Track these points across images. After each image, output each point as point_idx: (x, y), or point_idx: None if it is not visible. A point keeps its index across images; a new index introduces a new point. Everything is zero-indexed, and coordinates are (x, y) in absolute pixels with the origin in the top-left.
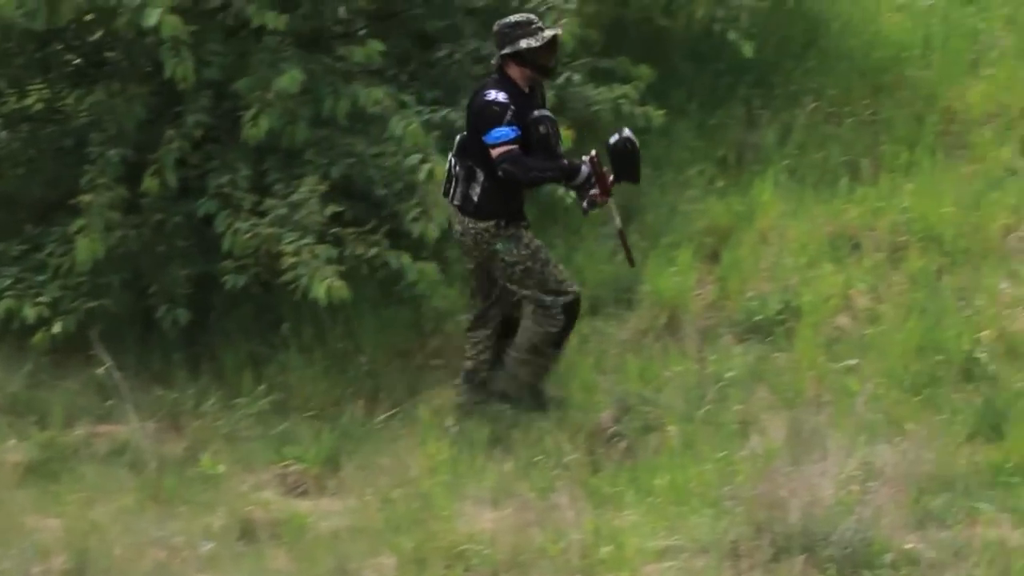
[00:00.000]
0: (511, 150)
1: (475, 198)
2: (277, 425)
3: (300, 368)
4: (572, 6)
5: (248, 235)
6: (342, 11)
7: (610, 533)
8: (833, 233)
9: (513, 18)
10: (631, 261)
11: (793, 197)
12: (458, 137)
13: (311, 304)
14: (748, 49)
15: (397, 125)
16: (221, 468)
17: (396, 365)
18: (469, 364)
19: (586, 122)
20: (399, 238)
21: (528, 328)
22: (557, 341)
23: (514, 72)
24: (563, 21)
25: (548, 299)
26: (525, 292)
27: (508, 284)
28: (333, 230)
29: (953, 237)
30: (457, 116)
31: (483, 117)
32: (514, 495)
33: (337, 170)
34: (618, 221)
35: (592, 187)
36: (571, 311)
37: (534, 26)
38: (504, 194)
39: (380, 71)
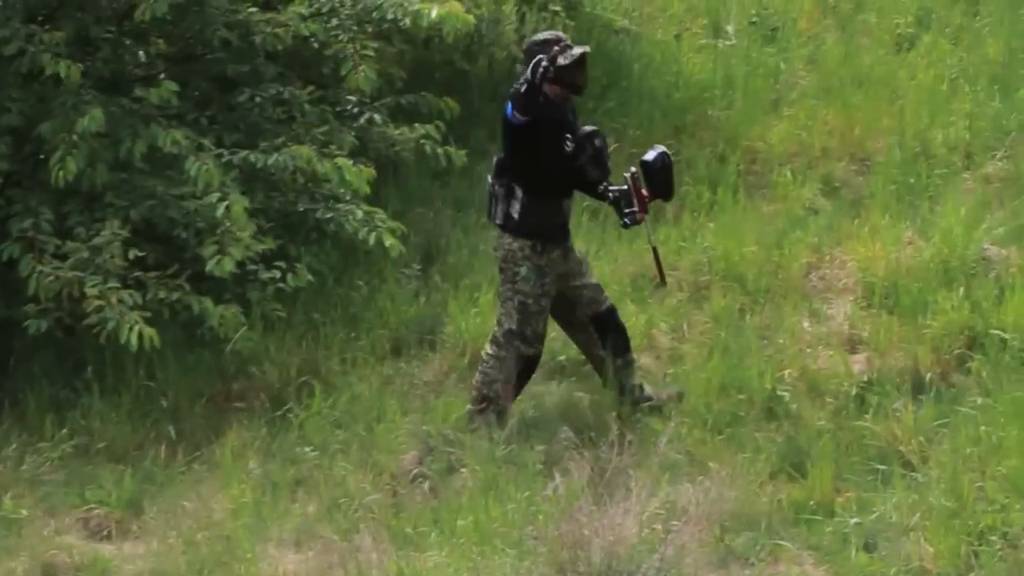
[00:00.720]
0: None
1: (515, 215)
2: (80, 469)
3: (103, 412)
4: (370, 52)
5: (50, 278)
6: (141, 55)
7: (413, 574)
8: (635, 273)
9: (541, 36)
10: (663, 279)
11: (595, 237)
12: (495, 158)
13: (114, 347)
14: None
15: (192, 166)
16: (23, 512)
17: (199, 408)
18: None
19: (389, 162)
20: (201, 281)
21: (483, 364)
22: (502, 389)
23: (546, 88)
24: (361, 68)
25: (514, 342)
26: (503, 318)
27: (501, 301)
28: (135, 274)
29: (755, 276)
30: (258, 158)
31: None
32: (317, 537)
33: (138, 212)
34: (652, 238)
35: (632, 204)
36: (526, 364)
37: (563, 44)
38: (545, 209)
39: (180, 114)
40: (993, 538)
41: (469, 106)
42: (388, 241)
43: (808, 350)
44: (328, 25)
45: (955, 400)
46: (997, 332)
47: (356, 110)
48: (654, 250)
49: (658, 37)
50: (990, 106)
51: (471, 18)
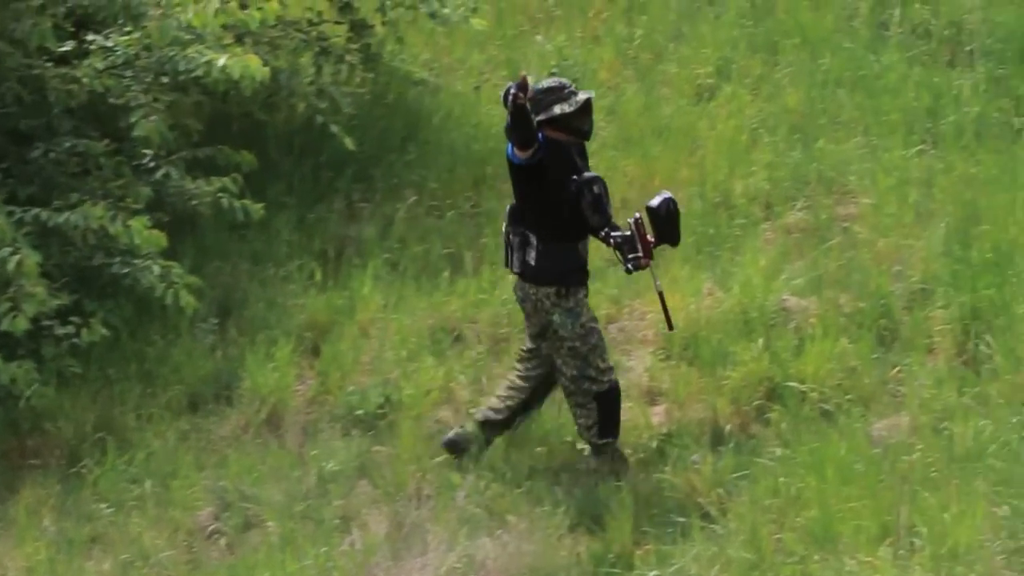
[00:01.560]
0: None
1: (532, 262)
2: None
3: None
4: (160, 106)
5: None
6: None
7: None
8: (434, 326)
9: (545, 83)
10: (670, 325)
11: (394, 290)
12: (508, 206)
13: None
14: (350, 143)
15: None
16: None
17: None
18: (494, 401)
19: (186, 215)
20: None
21: (576, 419)
22: (601, 432)
23: (551, 134)
24: (152, 118)
25: (584, 386)
26: (564, 370)
27: (554, 355)
28: None
29: None
30: (49, 216)
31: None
32: None
33: None
34: (658, 284)
35: (636, 250)
36: (604, 401)
37: (567, 91)
38: (561, 254)
39: None
40: None
41: (267, 159)
42: (184, 300)
43: None
44: (124, 77)
45: (754, 451)
46: (795, 384)
47: (152, 163)
48: (660, 296)
49: (457, 89)
50: (790, 156)
51: (266, 70)
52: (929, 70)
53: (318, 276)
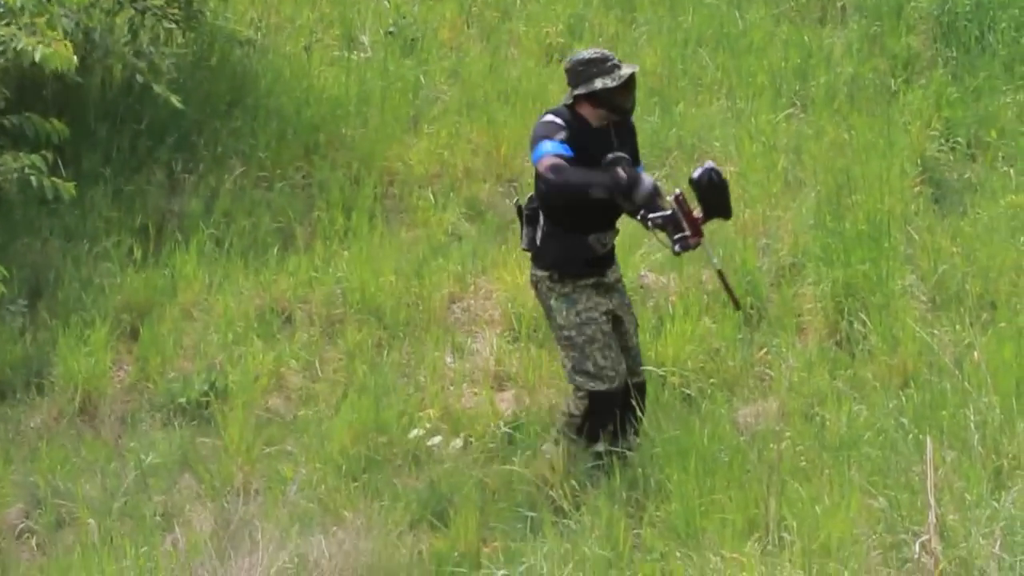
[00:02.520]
0: (556, 161)
1: (537, 242)
2: None
3: None
4: None
5: None
6: None
7: None
8: (263, 307)
9: (586, 54)
10: (736, 303)
11: (219, 269)
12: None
13: None
14: (176, 101)
15: None
16: None
17: None
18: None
19: None
20: None
21: (563, 410)
22: (579, 428)
23: (586, 111)
24: None
25: (578, 379)
26: (563, 359)
27: (556, 344)
28: None
29: (393, 308)
30: None
31: (533, 135)
32: None
33: None
34: (716, 261)
35: (682, 229)
36: (597, 402)
37: (610, 63)
38: (566, 241)
39: None
40: None
41: (82, 125)
42: None
43: (451, 388)
44: None
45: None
46: (654, 368)
47: None
48: (720, 274)
49: (287, 50)
50: (648, 121)
51: (74, 59)
52: (798, 28)
53: (137, 253)
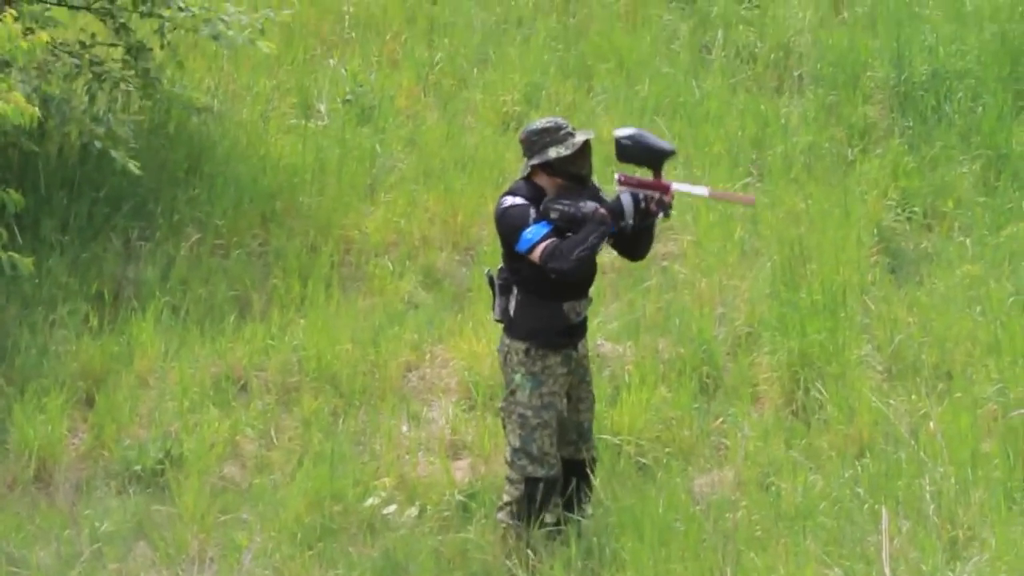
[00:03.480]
0: (547, 244)
1: (511, 312)
2: None
3: None
4: None
5: None
6: None
7: None
8: (219, 374)
9: (539, 124)
10: (749, 199)
11: (175, 336)
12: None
13: None
14: (134, 167)
15: None
16: None
17: None
18: None
19: None
20: None
21: (505, 490)
22: (517, 515)
23: (543, 180)
24: None
25: (518, 462)
26: (509, 435)
27: (503, 416)
28: None
29: (349, 376)
30: None
31: (506, 228)
32: None
33: None
34: (700, 188)
35: (652, 199)
36: (533, 487)
37: (563, 132)
38: (541, 311)
39: None
40: None
41: (40, 194)
42: None
43: (407, 456)
44: None
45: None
46: (610, 436)
47: None
48: (714, 195)
49: (243, 117)
50: (606, 189)
51: (35, 112)
52: (755, 97)
53: (93, 321)
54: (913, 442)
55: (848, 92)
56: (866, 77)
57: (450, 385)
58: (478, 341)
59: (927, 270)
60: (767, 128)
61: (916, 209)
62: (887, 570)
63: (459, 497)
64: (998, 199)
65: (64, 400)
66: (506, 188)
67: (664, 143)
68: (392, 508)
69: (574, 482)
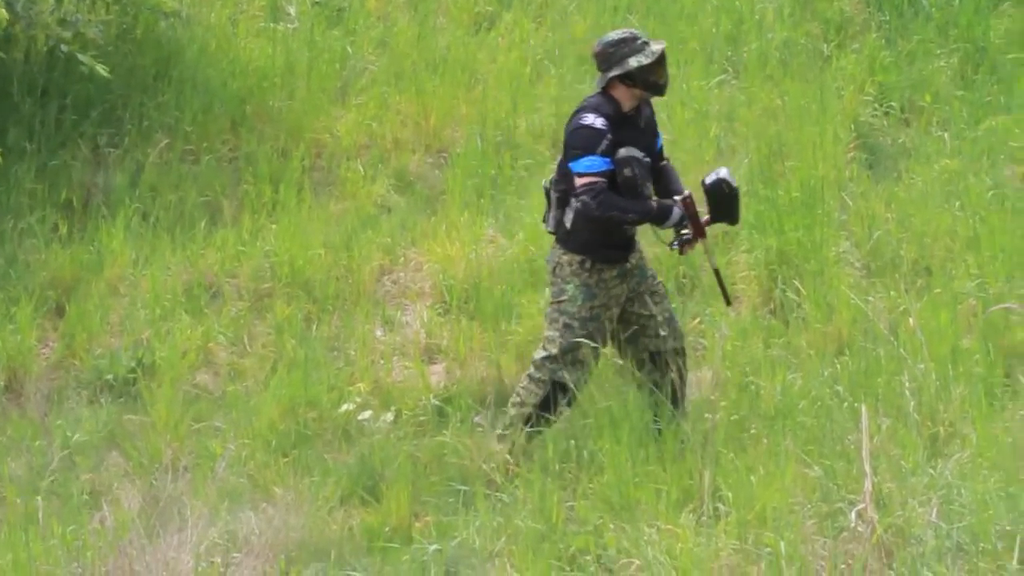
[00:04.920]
0: (596, 183)
1: (568, 224)
2: None
3: None
4: None
5: None
6: None
7: None
8: (190, 281)
9: (615, 35)
10: (728, 300)
11: (146, 243)
12: (558, 159)
13: None
14: (103, 70)
15: None
16: None
17: None
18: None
19: None
20: None
21: (521, 388)
22: (527, 419)
23: (620, 93)
24: None
25: (556, 361)
26: (547, 342)
27: (546, 319)
28: None
29: (322, 282)
30: None
31: (575, 141)
32: None
33: None
34: (714, 260)
35: (685, 228)
36: (557, 391)
37: (640, 41)
38: (600, 224)
39: None
40: (587, 560)
41: (6, 100)
42: None
43: (382, 361)
44: None
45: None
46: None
47: None
48: (716, 273)
49: (212, 21)
50: (578, 89)
51: (3, 14)
52: None
53: (62, 229)
54: (892, 339)
55: None
56: None
57: (424, 289)
58: (451, 244)
59: (905, 165)
60: (742, 25)
61: (893, 104)
62: (867, 468)
63: (434, 401)
64: (976, 93)
65: (34, 310)
66: (583, 102)
67: (736, 214)
68: (367, 414)
69: (673, 374)
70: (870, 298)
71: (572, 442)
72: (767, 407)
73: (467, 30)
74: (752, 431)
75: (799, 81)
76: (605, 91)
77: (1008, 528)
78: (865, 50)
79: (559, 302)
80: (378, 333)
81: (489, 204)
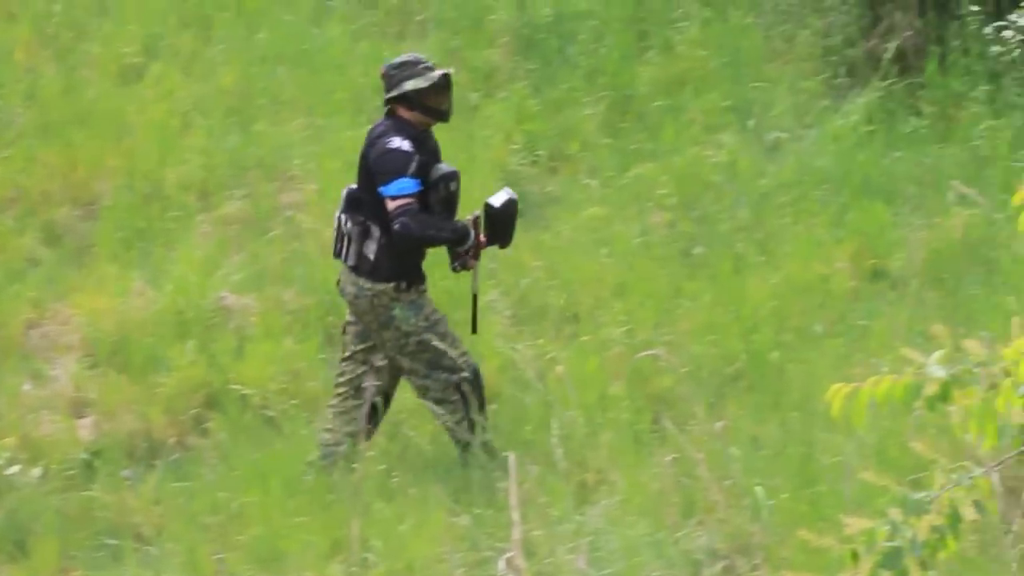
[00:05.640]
0: (411, 204)
1: (371, 256)
2: None
3: None
4: None
5: None
6: None
7: None
8: None
9: (400, 58)
10: (475, 328)
11: None
12: (345, 190)
13: None
14: None
15: None
16: None
17: None
18: (328, 437)
19: None
20: None
21: (439, 417)
22: (465, 429)
23: (407, 115)
24: None
25: (441, 377)
26: (415, 367)
27: (398, 356)
28: None
29: None
30: None
31: (385, 165)
32: None
33: None
34: (477, 284)
35: (468, 249)
36: (468, 387)
37: (421, 66)
38: (404, 250)
39: None
40: None
41: None
42: None
43: (30, 415)
44: None
45: (194, 464)
46: (237, 387)
47: None
48: (474, 299)
49: None
50: (226, 140)
51: None
52: (377, 43)
53: None
54: (540, 386)
55: (471, 36)
56: (488, 20)
57: (72, 342)
58: (100, 297)
59: (553, 213)
60: None
61: (541, 152)
62: (516, 516)
63: (83, 455)
64: (623, 140)
65: None
66: (380, 125)
67: (511, 236)
68: (15, 468)
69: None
70: (518, 346)
71: (220, 494)
72: (416, 457)
73: (115, 81)
74: (402, 481)
75: (447, 130)
76: (394, 114)
77: (656, 574)
78: (513, 98)
79: (391, 332)
80: (26, 387)
81: (138, 256)
